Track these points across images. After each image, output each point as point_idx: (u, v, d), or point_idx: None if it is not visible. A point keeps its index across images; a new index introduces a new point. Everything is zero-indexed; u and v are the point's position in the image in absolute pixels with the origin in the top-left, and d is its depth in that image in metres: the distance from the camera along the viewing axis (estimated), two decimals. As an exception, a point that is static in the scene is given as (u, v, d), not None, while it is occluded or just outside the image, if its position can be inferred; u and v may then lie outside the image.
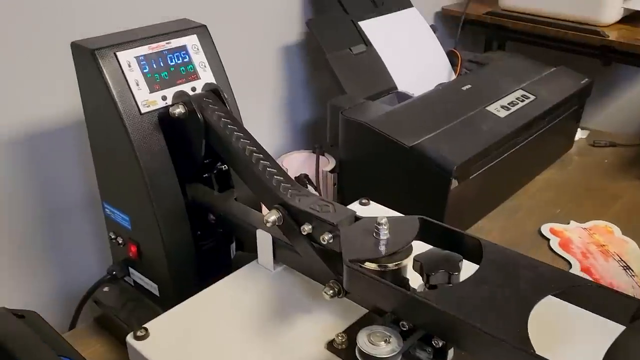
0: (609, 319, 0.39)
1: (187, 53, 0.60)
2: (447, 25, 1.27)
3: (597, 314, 0.40)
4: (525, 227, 0.83)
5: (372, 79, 0.95)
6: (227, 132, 0.55)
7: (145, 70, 0.57)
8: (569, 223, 0.84)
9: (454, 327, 0.37)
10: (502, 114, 0.84)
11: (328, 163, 0.91)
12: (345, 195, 0.86)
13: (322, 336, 0.48)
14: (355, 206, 0.66)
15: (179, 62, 0.60)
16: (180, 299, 0.53)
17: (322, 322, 0.49)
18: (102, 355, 0.64)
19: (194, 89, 0.60)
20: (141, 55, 0.57)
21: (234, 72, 0.65)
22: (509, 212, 0.87)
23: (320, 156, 0.91)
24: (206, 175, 0.62)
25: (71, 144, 0.74)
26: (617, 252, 0.77)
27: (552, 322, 0.46)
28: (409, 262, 0.44)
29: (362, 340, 0.41)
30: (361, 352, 0.41)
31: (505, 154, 0.81)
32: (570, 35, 1.09)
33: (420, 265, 0.42)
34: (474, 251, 0.43)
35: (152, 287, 0.63)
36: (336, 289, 0.47)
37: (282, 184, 0.51)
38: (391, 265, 0.43)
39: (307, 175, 0.83)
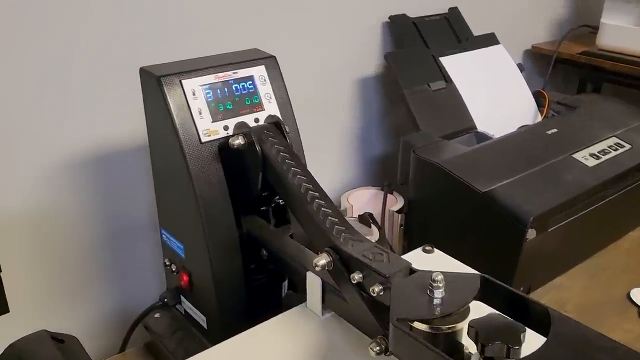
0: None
1: (253, 84, 0.59)
2: (537, 63, 1.21)
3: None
4: (611, 290, 0.75)
5: (450, 117, 0.90)
6: (284, 167, 0.53)
7: (209, 99, 0.56)
8: (664, 289, 0.75)
9: (509, 412, 0.32)
10: (591, 162, 0.77)
11: (396, 202, 0.87)
12: (411, 238, 0.82)
13: (364, 395, 0.44)
14: (418, 252, 0.61)
15: (244, 92, 0.59)
16: (228, 334, 0.51)
17: (366, 380, 0.46)
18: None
19: (257, 120, 0.59)
20: (207, 84, 0.57)
21: (305, 102, 0.63)
22: (593, 270, 0.79)
23: (389, 194, 0.87)
24: (263, 208, 0.60)
25: (138, 168, 0.75)
26: None
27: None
28: (465, 325, 0.39)
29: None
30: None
31: (592, 207, 0.74)
32: (676, 80, 1.00)
33: (476, 332, 0.37)
34: (541, 321, 0.38)
35: (201, 319, 0.62)
36: (383, 347, 0.43)
37: (336, 226, 0.48)
38: (444, 328, 0.39)
39: (372, 214, 0.79)
